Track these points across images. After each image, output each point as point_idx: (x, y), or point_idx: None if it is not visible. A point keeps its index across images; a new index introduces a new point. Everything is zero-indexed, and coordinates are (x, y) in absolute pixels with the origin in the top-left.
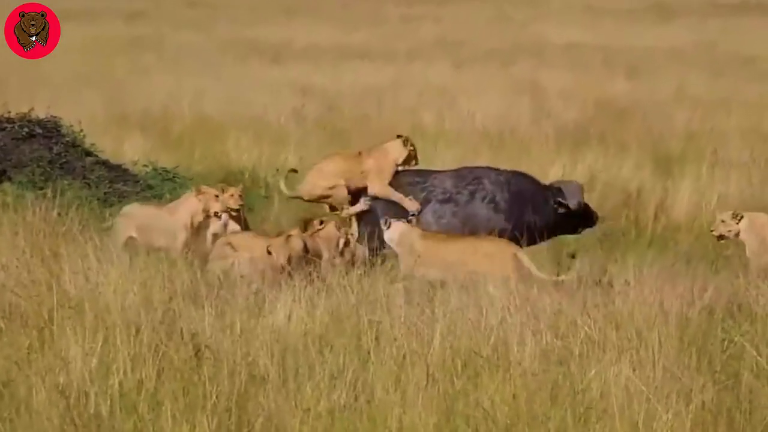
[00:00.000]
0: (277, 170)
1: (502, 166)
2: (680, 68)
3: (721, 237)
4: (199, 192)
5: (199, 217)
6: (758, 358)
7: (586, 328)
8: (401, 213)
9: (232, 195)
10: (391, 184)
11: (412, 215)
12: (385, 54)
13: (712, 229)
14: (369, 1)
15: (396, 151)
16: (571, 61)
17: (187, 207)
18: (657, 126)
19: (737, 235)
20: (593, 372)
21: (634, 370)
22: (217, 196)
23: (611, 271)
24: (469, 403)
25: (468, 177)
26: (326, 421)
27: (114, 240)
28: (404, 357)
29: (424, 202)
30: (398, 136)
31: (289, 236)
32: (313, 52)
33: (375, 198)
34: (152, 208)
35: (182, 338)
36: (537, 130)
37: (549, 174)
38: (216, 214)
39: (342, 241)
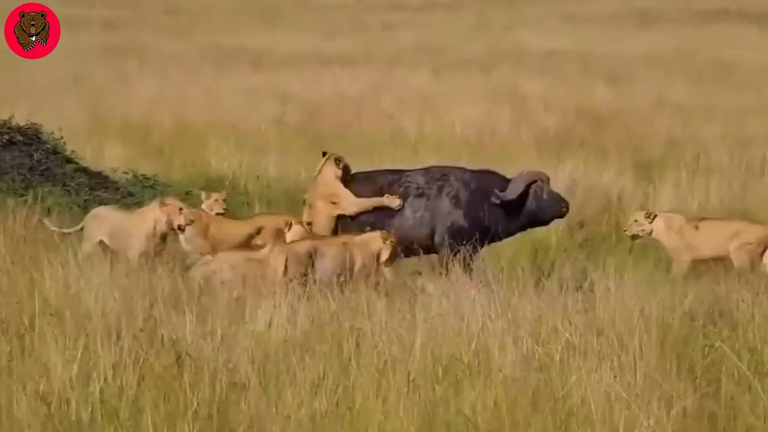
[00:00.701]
0: (258, 177)
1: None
2: (660, 75)
3: (635, 237)
4: (163, 204)
5: (162, 228)
6: (739, 364)
7: (567, 334)
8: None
9: (216, 200)
10: (371, 184)
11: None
12: (365, 61)
13: (625, 229)
14: (349, 8)
15: (333, 171)
16: (551, 68)
17: (151, 216)
18: (637, 132)
19: (650, 234)
20: (574, 378)
21: (615, 376)
22: (181, 209)
23: (592, 276)
24: (450, 409)
25: (437, 174)
26: (307, 428)
27: (83, 243)
28: (385, 363)
29: (404, 198)
30: (323, 154)
31: (293, 241)
32: (293, 60)
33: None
34: (123, 213)
35: (163, 345)
36: (517, 137)
37: None
38: (180, 228)
39: (386, 253)
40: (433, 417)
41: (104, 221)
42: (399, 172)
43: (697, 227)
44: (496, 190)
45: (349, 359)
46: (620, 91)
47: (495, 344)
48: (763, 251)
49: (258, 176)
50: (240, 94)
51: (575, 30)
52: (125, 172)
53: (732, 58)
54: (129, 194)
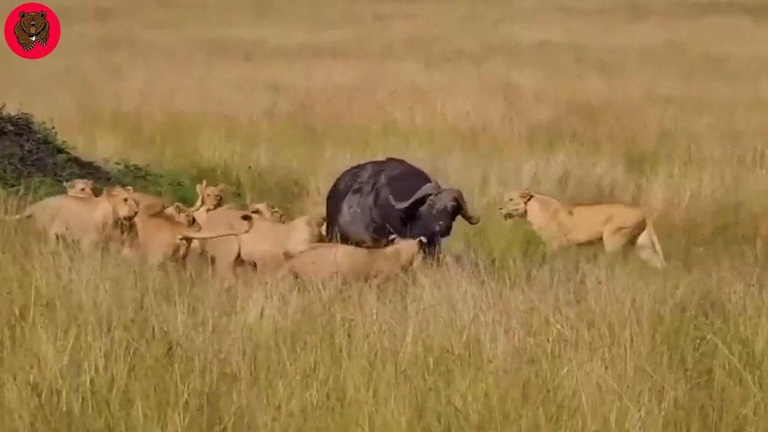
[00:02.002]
0: (249, 167)
1: (474, 164)
2: (652, 67)
3: (508, 215)
4: (109, 194)
5: (110, 219)
6: (730, 356)
7: (558, 325)
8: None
9: (208, 195)
10: (340, 177)
11: None
12: (356, 52)
13: (500, 207)
14: None
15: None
16: (542, 60)
17: (102, 207)
18: (629, 124)
19: (524, 214)
20: (565, 370)
21: (606, 367)
22: (126, 200)
23: (584, 268)
24: (441, 400)
25: (378, 168)
26: (298, 419)
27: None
28: (376, 355)
29: (346, 191)
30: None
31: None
32: (285, 51)
33: None
34: (77, 202)
35: (154, 336)
36: (509, 129)
37: (522, 171)
38: (127, 219)
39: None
40: (424, 408)
41: (57, 212)
42: (363, 165)
43: (571, 212)
44: (391, 196)
45: (341, 350)
46: (612, 84)
47: (486, 336)
48: (639, 234)
49: (250, 167)
50: (232, 85)
51: (567, 22)
52: (117, 163)
53: (723, 50)
54: (120, 184)
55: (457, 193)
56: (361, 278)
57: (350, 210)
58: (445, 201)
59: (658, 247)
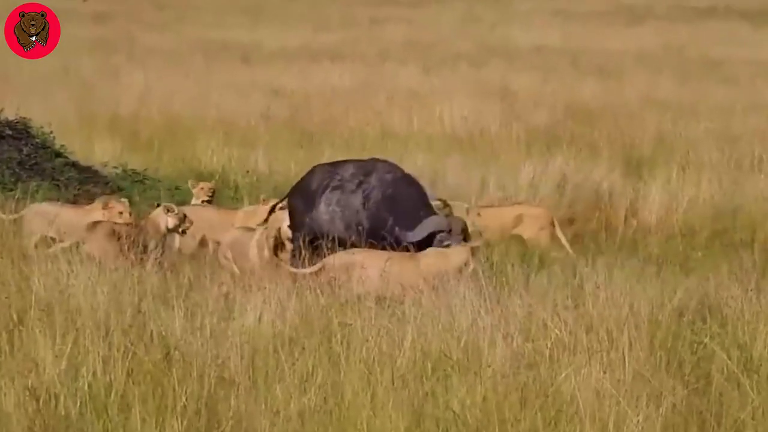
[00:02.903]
0: (248, 172)
1: (472, 169)
2: (649, 71)
3: None
4: (105, 205)
5: None
6: (728, 361)
7: (556, 330)
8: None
9: (202, 188)
10: (311, 173)
11: None
12: (354, 56)
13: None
14: (338, 2)
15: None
16: (540, 64)
17: (95, 216)
18: (627, 129)
19: None
20: (563, 375)
21: (604, 372)
22: (121, 213)
23: (582, 273)
24: (439, 405)
25: (365, 169)
26: (296, 424)
27: (25, 239)
28: (374, 359)
29: (323, 188)
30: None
31: None
32: (282, 54)
33: None
34: (70, 208)
35: (152, 340)
36: (507, 133)
37: (520, 176)
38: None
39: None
40: (422, 413)
41: (49, 217)
42: (342, 163)
43: (479, 214)
44: (397, 228)
45: (339, 355)
46: (610, 88)
47: (484, 341)
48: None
49: (248, 171)
50: (229, 88)
51: (564, 26)
52: (114, 167)
53: (721, 54)
54: (118, 189)
55: (463, 224)
56: (407, 284)
57: (329, 208)
58: (456, 240)
59: (564, 240)
